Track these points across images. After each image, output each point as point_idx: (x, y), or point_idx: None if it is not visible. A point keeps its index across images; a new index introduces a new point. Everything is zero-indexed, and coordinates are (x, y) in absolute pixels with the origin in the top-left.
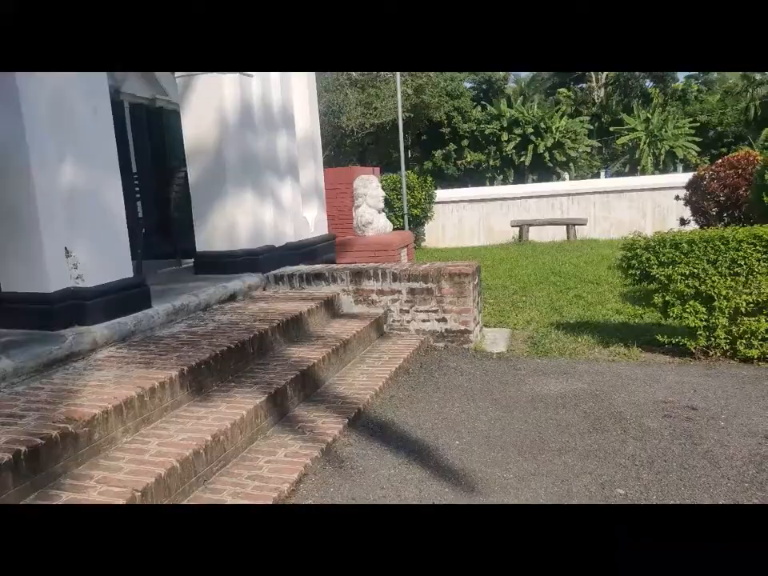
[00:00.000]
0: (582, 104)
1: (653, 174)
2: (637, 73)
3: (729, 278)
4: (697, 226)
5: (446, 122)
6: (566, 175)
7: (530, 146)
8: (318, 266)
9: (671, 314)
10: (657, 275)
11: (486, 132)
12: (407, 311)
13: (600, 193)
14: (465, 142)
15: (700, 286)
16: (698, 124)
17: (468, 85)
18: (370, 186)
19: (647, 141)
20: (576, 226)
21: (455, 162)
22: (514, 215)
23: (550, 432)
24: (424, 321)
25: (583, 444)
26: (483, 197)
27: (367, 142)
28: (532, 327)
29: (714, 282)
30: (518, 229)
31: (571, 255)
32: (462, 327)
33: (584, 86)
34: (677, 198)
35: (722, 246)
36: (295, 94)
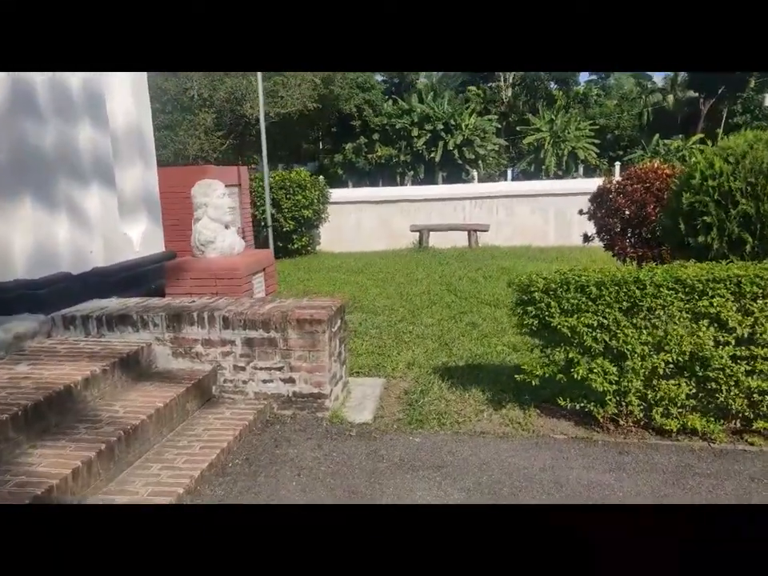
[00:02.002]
0: (491, 102)
1: (556, 173)
2: (542, 75)
3: (645, 331)
4: (601, 245)
5: (356, 114)
6: (475, 173)
7: (440, 143)
8: (131, 302)
9: (576, 375)
10: (559, 326)
11: (397, 126)
12: (243, 368)
13: (503, 197)
14: (376, 136)
15: (610, 340)
16: (597, 127)
17: (379, 78)
18: (212, 194)
19: (551, 141)
20: (478, 232)
21: (366, 155)
22: (414, 218)
23: None
24: (266, 381)
25: None
26: (383, 198)
27: (274, 131)
28: (413, 374)
29: (626, 335)
30: (417, 234)
31: (471, 267)
32: (315, 390)
33: (492, 85)
34: (580, 212)
35: (637, 292)
36: (110, 74)
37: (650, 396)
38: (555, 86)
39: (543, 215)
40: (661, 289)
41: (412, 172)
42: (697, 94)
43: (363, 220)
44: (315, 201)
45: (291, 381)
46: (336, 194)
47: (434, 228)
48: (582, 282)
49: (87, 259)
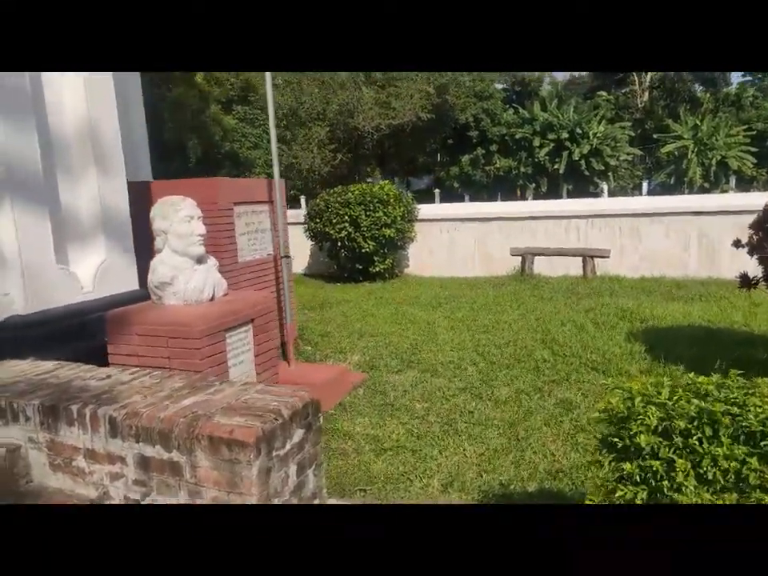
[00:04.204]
0: (624, 109)
1: (702, 186)
2: (685, 76)
3: None
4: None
5: (473, 124)
6: (605, 186)
7: (565, 153)
8: (41, 368)
9: None
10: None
11: (517, 137)
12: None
13: (629, 216)
14: (494, 147)
15: None
16: (754, 132)
17: (499, 86)
18: (173, 217)
19: (695, 150)
20: (595, 259)
21: (483, 167)
22: (516, 239)
23: None
24: None
25: None
26: (480, 215)
27: (388, 144)
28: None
29: None
30: (519, 258)
31: (580, 306)
32: None
33: (626, 90)
34: (737, 244)
35: None
36: None
37: None
38: (701, 87)
39: (682, 239)
40: None
41: (533, 185)
42: None
43: (456, 240)
44: (399, 218)
45: None
46: (427, 210)
47: (538, 252)
48: (748, 422)
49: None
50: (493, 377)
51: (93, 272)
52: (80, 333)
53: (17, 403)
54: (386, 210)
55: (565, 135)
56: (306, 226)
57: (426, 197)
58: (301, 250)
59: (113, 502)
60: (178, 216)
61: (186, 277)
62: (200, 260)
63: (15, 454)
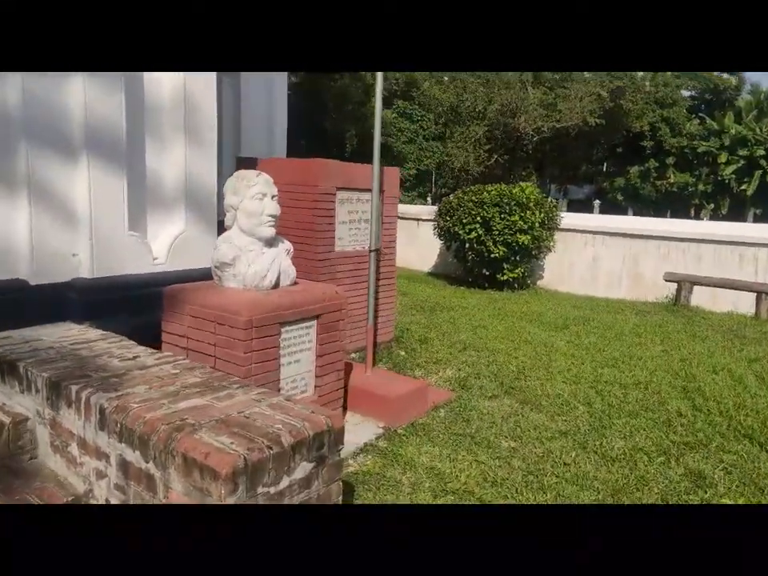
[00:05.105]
0: None
1: None
2: None
3: None
4: None
5: (649, 133)
6: None
7: (758, 172)
8: (86, 336)
9: None
10: None
11: (700, 150)
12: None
13: None
14: (670, 160)
15: None
16: None
17: (686, 93)
18: (244, 192)
19: None
20: None
21: (654, 181)
22: (676, 263)
23: None
24: None
25: None
26: (634, 231)
27: (548, 148)
28: None
29: None
30: (675, 285)
31: (743, 353)
32: None
33: None
34: None
35: None
36: None
37: None
38: None
39: None
40: None
41: (712, 205)
42: None
43: (601, 256)
44: (537, 225)
45: None
46: (571, 219)
47: (699, 281)
48: None
49: (67, 266)
50: (607, 424)
51: (169, 243)
52: (148, 304)
53: (31, 372)
54: (523, 215)
55: (761, 152)
56: (436, 223)
57: (583, 207)
58: (432, 247)
59: (96, 502)
60: (250, 192)
61: (249, 259)
62: (270, 243)
63: (21, 427)
